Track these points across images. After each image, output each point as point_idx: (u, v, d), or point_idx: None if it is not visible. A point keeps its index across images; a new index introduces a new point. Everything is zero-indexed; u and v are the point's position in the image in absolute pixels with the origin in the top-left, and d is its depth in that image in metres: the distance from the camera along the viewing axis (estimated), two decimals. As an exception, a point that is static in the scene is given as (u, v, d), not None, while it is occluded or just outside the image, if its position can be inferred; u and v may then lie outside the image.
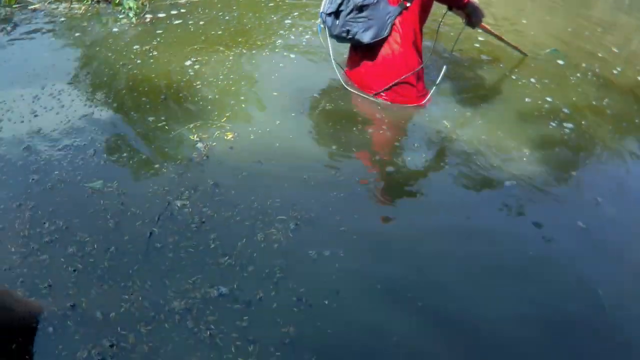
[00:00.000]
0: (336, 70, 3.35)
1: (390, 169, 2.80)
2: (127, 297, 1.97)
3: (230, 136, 2.91)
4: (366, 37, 3.07)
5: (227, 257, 2.15)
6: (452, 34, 3.92)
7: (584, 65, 3.96)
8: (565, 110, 3.34)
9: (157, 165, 2.69)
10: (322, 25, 3.21)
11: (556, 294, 2.13)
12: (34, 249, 2.15)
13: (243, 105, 3.24)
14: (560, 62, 3.99)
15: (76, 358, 1.77)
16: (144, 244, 2.20)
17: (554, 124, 3.19)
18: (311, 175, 2.63)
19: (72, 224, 2.28)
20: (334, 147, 2.93)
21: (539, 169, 2.83)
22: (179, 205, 2.41)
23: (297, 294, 1.99)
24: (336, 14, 3.09)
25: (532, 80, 3.70)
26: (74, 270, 2.07)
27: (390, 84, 3.19)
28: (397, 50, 3.11)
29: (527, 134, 3.12)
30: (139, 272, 2.08)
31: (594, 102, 3.49)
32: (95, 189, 2.47)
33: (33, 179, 2.52)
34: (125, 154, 2.74)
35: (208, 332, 1.85)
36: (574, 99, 3.47)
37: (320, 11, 3.16)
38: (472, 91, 3.57)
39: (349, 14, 3.03)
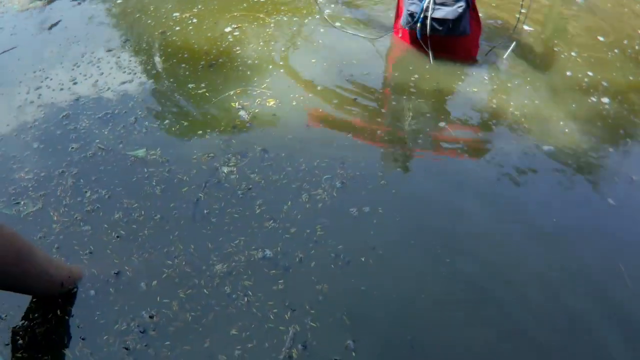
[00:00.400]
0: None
1: (432, 127, 2.70)
2: (170, 262, 1.94)
3: (272, 102, 2.81)
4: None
5: (271, 221, 2.10)
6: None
7: (625, 42, 3.63)
8: (605, 84, 3.07)
9: (200, 132, 2.60)
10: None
11: (575, 262, 2.02)
12: (76, 218, 2.12)
13: (283, 71, 3.12)
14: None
15: (115, 328, 1.75)
16: (189, 210, 2.15)
17: (593, 99, 2.95)
18: (358, 135, 2.60)
19: (115, 192, 2.24)
20: (379, 109, 2.84)
21: (576, 140, 2.64)
22: (225, 171, 2.34)
23: (336, 252, 1.98)
24: None
25: (573, 53, 3.42)
26: (117, 237, 2.04)
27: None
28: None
29: (567, 105, 2.92)
30: (183, 237, 2.05)
31: (631, 78, 3.21)
32: (138, 157, 2.40)
33: (73, 148, 2.47)
34: (166, 122, 2.65)
35: (245, 299, 1.83)
36: (613, 74, 3.20)
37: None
38: (517, 60, 3.32)
39: None
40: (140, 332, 1.72)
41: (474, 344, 1.73)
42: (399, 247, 2.01)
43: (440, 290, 1.87)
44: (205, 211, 2.14)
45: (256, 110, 2.74)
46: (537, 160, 2.50)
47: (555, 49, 3.40)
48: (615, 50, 3.39)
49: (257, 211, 2.15)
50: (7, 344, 1.70)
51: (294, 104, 2.82)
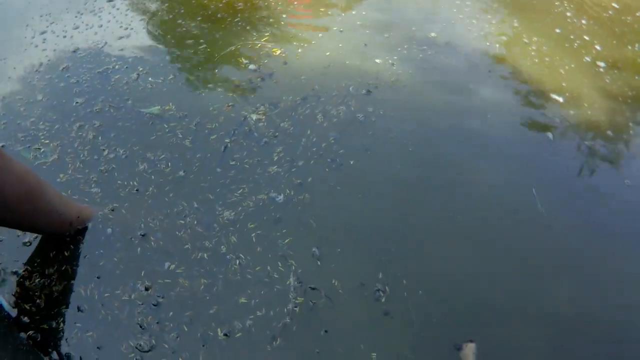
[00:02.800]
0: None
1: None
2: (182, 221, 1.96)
3: (278, 52, 2.85)
4: None
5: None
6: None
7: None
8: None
9: (210, 85, 2.62)
10: None
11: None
12: (92, 177, 2.12)
13: (283, 24, 3.15)
14: None
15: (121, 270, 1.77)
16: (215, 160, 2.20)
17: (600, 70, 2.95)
18: (371, 57, 2.85)
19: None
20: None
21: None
22: (254, 118, 2.41)
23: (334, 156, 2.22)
24: None
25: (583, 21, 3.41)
26: (137, 190, 2.06)
27: None
28: None
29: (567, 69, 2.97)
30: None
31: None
32: (153, 114, 2.40)
33: (77, 102, 2.46)
34: (171, 77, 2.64)
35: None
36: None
37: None
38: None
39: None
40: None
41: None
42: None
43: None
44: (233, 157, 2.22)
45: (265, 61, 2.79)
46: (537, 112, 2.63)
47: None
48: None
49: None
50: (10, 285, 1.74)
51: (299, 50, 2.91)
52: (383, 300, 1.74)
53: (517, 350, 1.66)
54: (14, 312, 1.65)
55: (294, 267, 1.80)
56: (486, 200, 2.12)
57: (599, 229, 2.07)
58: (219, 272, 1.78)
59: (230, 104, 2.47)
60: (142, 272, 1.77)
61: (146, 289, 1.72)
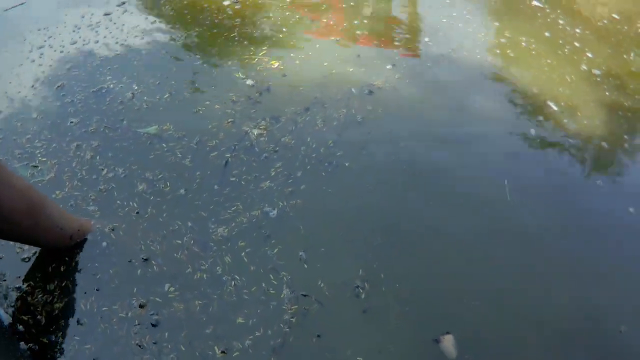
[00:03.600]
0: None
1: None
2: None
3: (276, 64, 2.90)
4: None
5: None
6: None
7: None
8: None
9: (207, 103, 2.63)
10: None
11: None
12: (90, 195, 2.14)
13: (281, 37, 3.18)
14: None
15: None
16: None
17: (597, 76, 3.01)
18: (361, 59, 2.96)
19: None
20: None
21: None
22: (255, 133, 2.44)
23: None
24: None
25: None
26: (137, 213, 2.08)
27: None
28: None
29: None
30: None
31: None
32: (151, 134, 2.42)
33: (72, 122, 2.48)
34: (166, 96, 2.66)
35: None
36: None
37: None
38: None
39: None
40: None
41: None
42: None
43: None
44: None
45: (264, 74, 2.84)
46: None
47: None
48: None
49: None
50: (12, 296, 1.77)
51: (297, 62, 2.95)
52: (363, 296, 1.82)
53: (494, 338, 1.75)
54: (14, 326, 1.68)
55: (285, 279, 1.85)
56: (469, 203, 2.19)
57: (576, 228, 2.16)
58: (213, 294, 1.81)
59: (229, 120, 2.51)
60: (139, 290, 1.80)
61: (140, 306, 1.75)
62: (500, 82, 2.91)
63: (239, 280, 1.85)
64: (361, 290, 1.83)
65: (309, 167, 2.30)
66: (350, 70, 2.90)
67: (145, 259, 1.89)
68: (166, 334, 1.70)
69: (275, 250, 1.94)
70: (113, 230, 1.97)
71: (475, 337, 1.74)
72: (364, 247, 1.97)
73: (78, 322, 1.70)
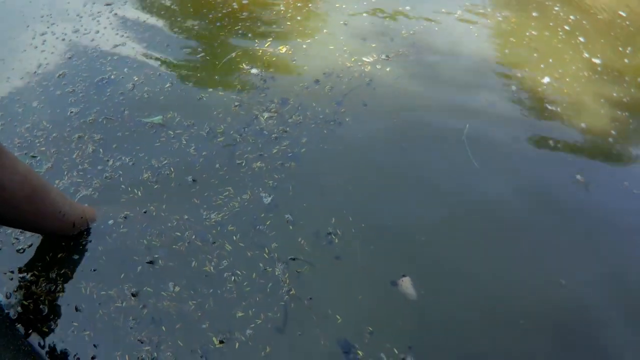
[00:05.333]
0: None
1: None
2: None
3: (284, 49, 2.96)
4: None
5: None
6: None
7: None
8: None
9: (211, 89, 2.64)
10: None
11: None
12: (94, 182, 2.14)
13: (287, 28, 3.20)
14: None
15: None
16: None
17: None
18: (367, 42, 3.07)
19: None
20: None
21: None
22: (264, 117, 2.47)
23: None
24: None
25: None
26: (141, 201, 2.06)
27: None
28: None
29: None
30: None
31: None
32: (155, 123, 2.42)
33: (72, 112, 2.48)
34: (168, 85, 2.66)
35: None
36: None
37: None
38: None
39: None
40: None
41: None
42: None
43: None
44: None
45: (273, 59, 2.87)
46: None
47: None
48: None
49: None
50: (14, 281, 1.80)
51: (304, 47, 3.00)
52: (336, 241, 1.96)
53: (447, 275, 1.89)
54: (15, 314, 1.70)
55: (276, 251, 1.92)
56: (435, 160, 2.34)
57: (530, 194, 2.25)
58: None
59: (236, 104, 2.53)
60: (138, 280, 1.81)
61: (133, 295, 1.77)
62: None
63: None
64: (334, 237, 1.97)
65: (313, 125, 2.43)
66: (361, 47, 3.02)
67: (149, 248, 1.90)
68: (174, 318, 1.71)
69: (268, 223, 2.00)
70: (116, 218, 1.97)
71: (431, 276, 1.88)
72: (339, 197, 2.11)
73: (77, 309, 1.72)
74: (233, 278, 1.81)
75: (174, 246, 1.91)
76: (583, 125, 2.62)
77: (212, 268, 1.84)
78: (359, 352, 1.66)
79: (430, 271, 1.90)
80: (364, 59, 2.93)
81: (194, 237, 1.94)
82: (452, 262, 1.94)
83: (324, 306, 1.77)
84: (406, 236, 2.00)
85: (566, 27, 3.40)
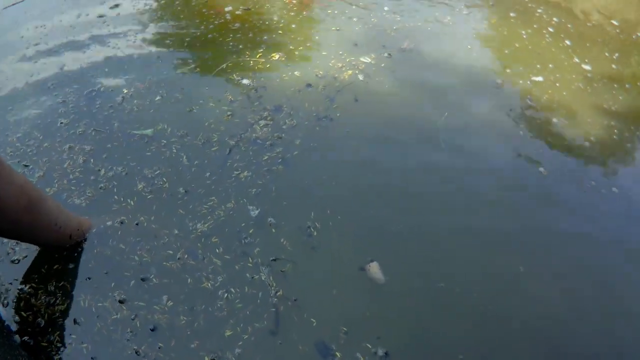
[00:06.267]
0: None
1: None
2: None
3: (276, 56, 3.04)
4: None
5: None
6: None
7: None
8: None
9: (201, 102, 2.67)
10: None
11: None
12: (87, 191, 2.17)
13: (279, 37, 3.27)
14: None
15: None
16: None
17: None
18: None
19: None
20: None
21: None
22: (260, 125, 2.52)
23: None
24: None
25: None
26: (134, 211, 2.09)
27: None
28: None
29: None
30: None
31: None
32: (146, 135, 2.45)
33: (62, 123, 2.51)
34: (158, 98, 2.70)
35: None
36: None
37: None
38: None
39: None
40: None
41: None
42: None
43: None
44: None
45: (267, 66, 2.96)
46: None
47: None
48: None
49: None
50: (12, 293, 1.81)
51: (296, 53, 3.08)
52: (315, 234, 2.06)
53: (413, 261, 2.01)
54: (13, 325, 1.72)
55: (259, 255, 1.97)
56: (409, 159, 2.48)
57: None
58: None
59: (229, 114, 2.59)
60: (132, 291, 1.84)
61: (121, 301, 1.79)
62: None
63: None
64: (312, 230, 2.07)
65: (306, 123, 2.55)
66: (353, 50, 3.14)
67: (141, 261, 1.93)
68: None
69: (251, 231, 2.05)
70: (111, 228, 2.01)
71: (398, 261, 2.01)
72: (319, 191, 2.22)
73: (75, 321, 1.74)
74: (226, 295, 1.85)
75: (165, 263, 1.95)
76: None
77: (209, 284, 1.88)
78: (337, 353, 1.71)
79: (397, 257, 2.02)
80: (357, 61, 3.03)
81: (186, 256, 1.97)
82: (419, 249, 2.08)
83: (308, 306, 1.83)
84: (380, 226, 2.14)
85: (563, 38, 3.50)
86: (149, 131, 2.46)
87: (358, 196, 2.24)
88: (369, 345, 1.73)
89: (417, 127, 2.63)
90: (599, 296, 1.99)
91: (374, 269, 1.96)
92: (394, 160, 2.44)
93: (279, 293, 1.85)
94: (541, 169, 2.48)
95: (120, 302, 1.78)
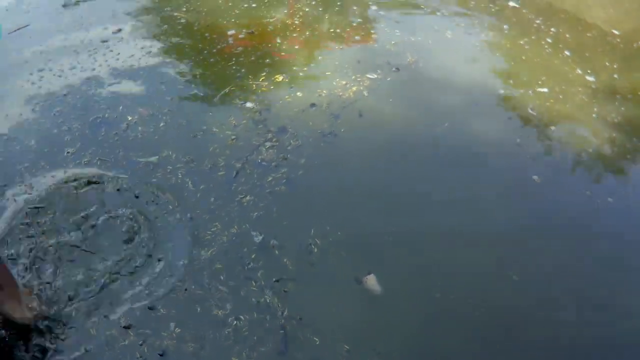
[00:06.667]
0: None
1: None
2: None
3: (280, 78, 3.09)
4: None
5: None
6: None
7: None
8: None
9: (204, 129, 2.71)
10: None
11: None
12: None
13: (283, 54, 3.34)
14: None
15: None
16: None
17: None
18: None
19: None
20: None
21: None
22: (266, 146, 2.58)
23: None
24: None
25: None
26: None
27: None
28: None
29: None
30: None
31: None
32: (152, 163, 2.49)
33: (68, 152, 2.55)
34: (162, 125, 2.73)
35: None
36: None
37: None
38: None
39: None
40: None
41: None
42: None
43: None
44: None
45: (271, 87, 3.02)
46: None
47: None
48: None
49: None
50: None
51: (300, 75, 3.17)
52: (315, 250, 2.12)
53: (411, 272, 2.10)
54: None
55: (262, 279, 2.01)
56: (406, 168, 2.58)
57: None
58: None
59: (233, 137, 2.63)
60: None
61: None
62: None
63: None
64: (313, 246, 2.14)
65: (311, 139, 2.64)
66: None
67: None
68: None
69: (253, 256, 2.10)
70: None
71: (395, 272, 2.09)
72: (321, 208, 2.31)
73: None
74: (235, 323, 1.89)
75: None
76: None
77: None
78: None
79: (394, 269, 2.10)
80: (361, 78, 3.10)
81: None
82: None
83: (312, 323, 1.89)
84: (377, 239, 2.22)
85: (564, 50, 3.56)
86: (154, 158, 2.50)
87: (359, 211, 2.30)
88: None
89: (418, 138, 2.72)
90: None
91: (371, 281, 2.02)
92: (394, 170, 2.54)
93: (285, 313, 1.89)
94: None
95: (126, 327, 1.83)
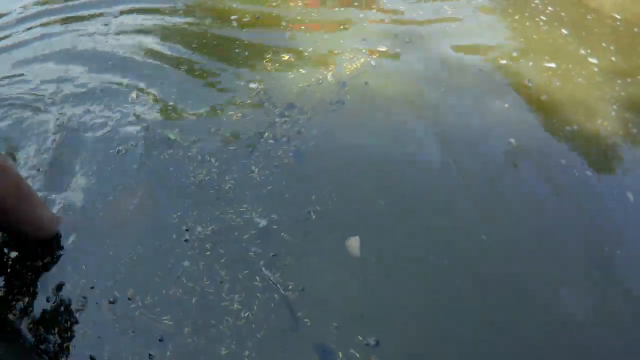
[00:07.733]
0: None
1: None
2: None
3: (286, 57, 3.10)
4: None
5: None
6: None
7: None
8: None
9: (210, 108, 2.72)
10: None
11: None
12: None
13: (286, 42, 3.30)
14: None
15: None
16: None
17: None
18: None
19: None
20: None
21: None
22: (278, 122, 2.59)
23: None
24: None
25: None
26: None
27: None
28: None
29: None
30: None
31: None
32: (171, 139, 2.51)
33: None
34: (171, 106, 2.74)
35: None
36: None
37: None
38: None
39: None
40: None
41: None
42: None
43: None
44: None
45: (277, 65, 3.03)
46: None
47: None
48: None
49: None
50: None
51: (305, 55, 3.12)
52: (314, 217, 2.18)
53: (390, 235, 2.12)
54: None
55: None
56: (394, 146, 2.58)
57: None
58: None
59: (239, 114, 2.66)
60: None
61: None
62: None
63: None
64: (312, 214, 2.19)
65: (318, 109, 2.67)
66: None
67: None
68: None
69: (258, 241, 2.10)
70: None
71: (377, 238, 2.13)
72: (320, 181, 2.34)
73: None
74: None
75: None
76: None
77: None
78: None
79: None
80: (366, 52, 3.14)
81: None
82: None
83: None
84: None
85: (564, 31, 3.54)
86: (173, 134, 2.51)
87: (363, 179, 2.35)
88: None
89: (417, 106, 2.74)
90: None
91: (354, 242, 2.08)
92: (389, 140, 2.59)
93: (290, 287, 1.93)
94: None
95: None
